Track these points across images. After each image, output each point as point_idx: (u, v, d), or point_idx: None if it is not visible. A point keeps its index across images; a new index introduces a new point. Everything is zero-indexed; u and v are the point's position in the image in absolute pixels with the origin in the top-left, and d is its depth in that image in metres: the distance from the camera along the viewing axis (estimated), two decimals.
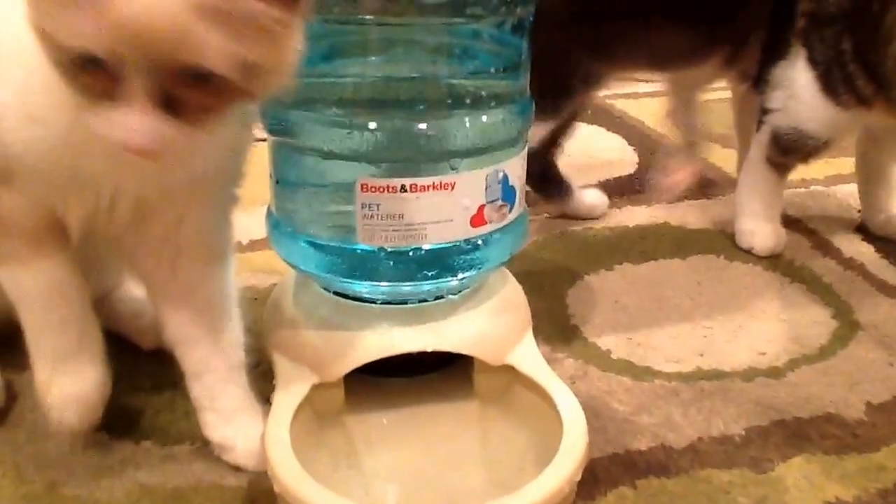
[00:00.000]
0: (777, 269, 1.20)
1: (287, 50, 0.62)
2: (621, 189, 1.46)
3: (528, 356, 0.84)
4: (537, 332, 0.88)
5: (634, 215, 1.36)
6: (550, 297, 1.11)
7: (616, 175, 1.53)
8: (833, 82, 1.10)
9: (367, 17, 0.72)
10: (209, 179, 0.74)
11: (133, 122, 0.58)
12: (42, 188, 0.71)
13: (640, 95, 2.00)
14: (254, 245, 1.17)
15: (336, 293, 0.83)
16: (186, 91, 0.59)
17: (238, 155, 0.76)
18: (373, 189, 0.74)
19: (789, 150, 1.19)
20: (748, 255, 1.25)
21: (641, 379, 0.96)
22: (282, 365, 0.82)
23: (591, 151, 1.63)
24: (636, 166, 1.58)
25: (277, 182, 0.82)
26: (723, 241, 1.28)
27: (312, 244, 0.80)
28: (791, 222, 1.34)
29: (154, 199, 0.74)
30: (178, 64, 0.57)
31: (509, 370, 0.83)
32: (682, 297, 1.13)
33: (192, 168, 0.72)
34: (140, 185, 0.72)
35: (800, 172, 1.52)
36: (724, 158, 1.59)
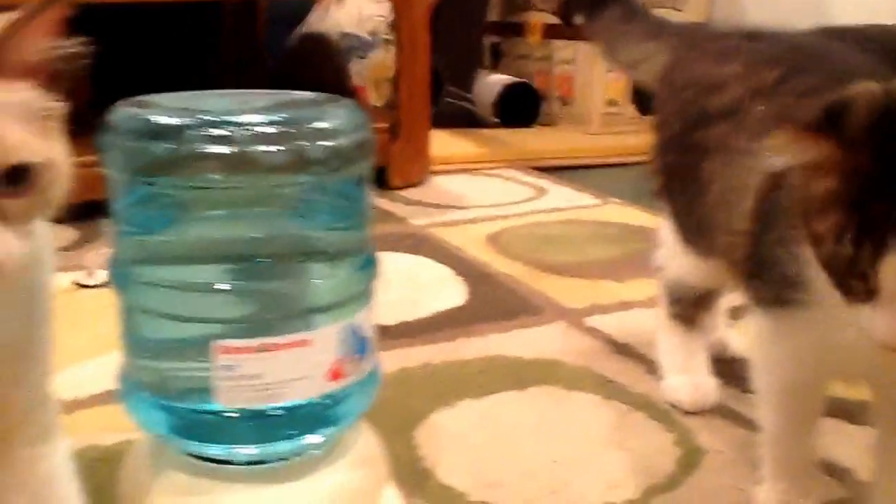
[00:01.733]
0: (615, 398, 1.22)
1: (62, 143, 0.64)
2: (453, 321, 1.46)
3: None
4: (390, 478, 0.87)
5: (469, 348, 1.36)
6: (399, 439, 1.09)
7: (446, 307, 1.52)
8: (686, 233, 1.12)
9: (213, 177, 0.72)
10: (20, 353, 0.71)
11: None
12: None
13: (457, 223, 2.02)
14: (95, 400, 1.11)
15: (194, 455, 0.80)
16: (11, 197, 0.59)
17: (44, 322, 0.73)
18: (230, 350, 0.73)
19: (679, 301, 1.20)
20: (586, 384, 1.25)
21: None
22: None
23: (417, 283, 1.63)
24: (465, 297, 1.58)
25: (128, 342, 0.81)
26: (559, 371, 1.29)
27: (167, 407, 0.78)
28: (620, 348, 1.36)
29: None
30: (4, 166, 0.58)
31: None
32: (527, 431, 1.13)
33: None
34: None
35: (619, 294, 1.57)
36: (541, 280, 1.63)
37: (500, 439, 1.11)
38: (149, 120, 0.73)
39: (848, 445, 1.07)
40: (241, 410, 0.75)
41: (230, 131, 0.70)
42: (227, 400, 0.75)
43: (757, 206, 0.90)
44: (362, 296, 0.81)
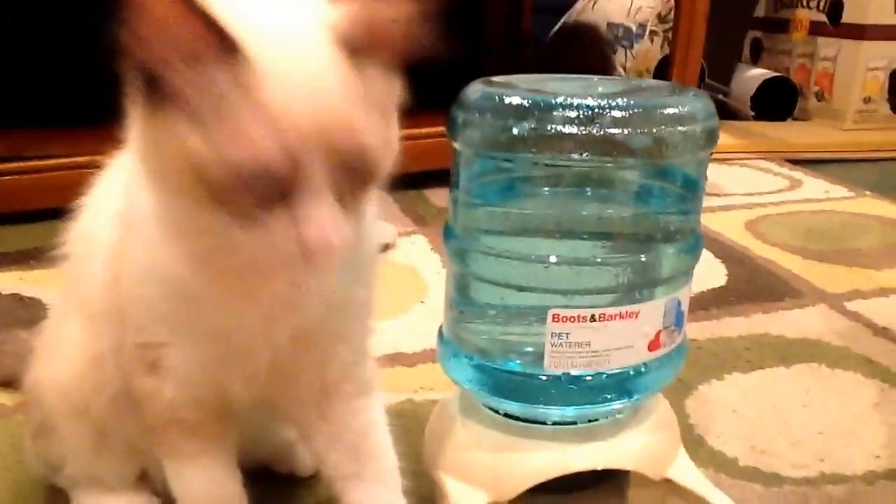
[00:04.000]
0: (876, 377, 1.21)
1: (397, 122, 0.60)
2: (717, 301, 1.47)
3: (687, 470, 0.85)
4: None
5: (734, 326, 1.37)
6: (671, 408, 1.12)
7: (709, 287, 1.54)
8: None
9: (571, 157, 0.72)
10: (345, 313, 0.71)
11: (325, 219, 0.54)
12: (191, 363, 0.67)
13: (714, 209, 2.02)
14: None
15: (505, 414, 0.83)
16: (350, 182, 0.56)
17: (369, 284, 0.72)
18: (563, 319, 0.75)
19: None
20: (848, 363, 1.25)
21: (772, 485, 0.96)
22: (452, 487, 0.81)
23: None
24: (726, 278, 1.59)
25: (456, 306, 0.83)
26: (822, 350, 1.29)
27: (488, 368, 0.81)
28: (879, 331, 1.35)
29: (290, 343, 0.68)
30: (354, 155, 0.54)
31: (667, 484, 0.83)
32: (793, 404, 1.14)
33: (328, 299, 0.67)
34: (279, 326, 0.67)
35: (878, 281, 1.55)
36: (801, 266, 1.63)
37: (768, 411, 1.12)
38: (511, 100, 0.73)
39: None
40: (563, 374, 0.77)
41: (591, 114, 0.70)
42: (554, 365, 0.76)
43: None
44: (686, 274, 0.82)
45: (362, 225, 0.62)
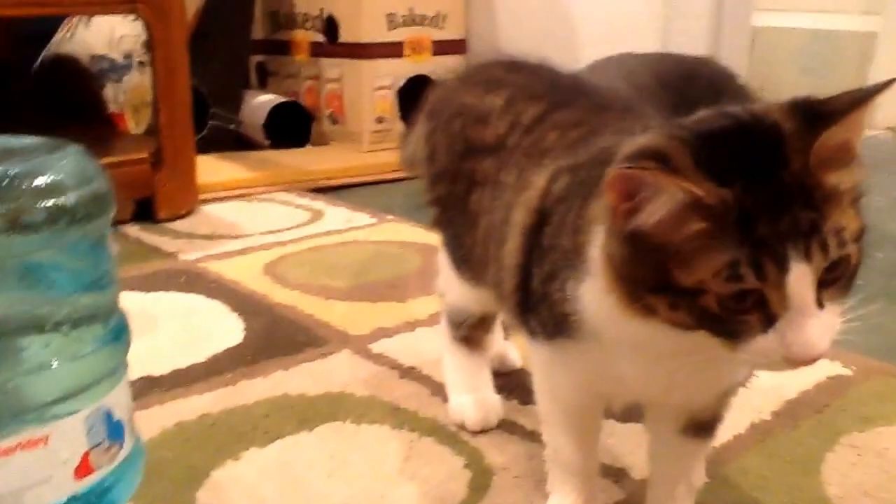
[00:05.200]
0: (404, 426, 1.17)
1: None
2: (233, 362, 1.37)
3: None
4: None
5: (252, 391, 1.28)
6: None
7: (224, 347, 1.43)
8: (458, 262, 1.12)
9: None
10: None
11: None
12: None
13: (231, 254, 1.93)
14: None
15: None
16: None
17: None
18: None
19: (460, 325, 1.20)
20: (375, 415, 1.20)
21: None
22: None
23: (190, 324, 1.53)
24: (243, 334, 1.49)
25: None
26: (346, 405, 1.23)
27: None
28: (406, 372, 1.32)
29: None
30: None
31: None
32: (317, 474, 1.07)
33: None
34: None
35: (403, 315, 1.52)
36: (323, 308, 1.58)
37: (291, 488, 1.04)
38: None
39: (621, 445, 1.10)
40: None
41: None
42: None
43: (524, 242, 0.88)
44: (113, 371, 0.71)
45: None
